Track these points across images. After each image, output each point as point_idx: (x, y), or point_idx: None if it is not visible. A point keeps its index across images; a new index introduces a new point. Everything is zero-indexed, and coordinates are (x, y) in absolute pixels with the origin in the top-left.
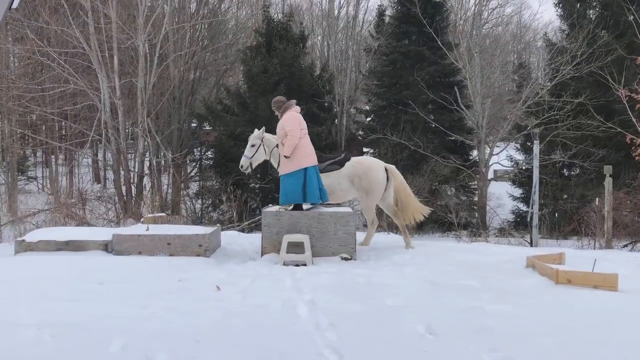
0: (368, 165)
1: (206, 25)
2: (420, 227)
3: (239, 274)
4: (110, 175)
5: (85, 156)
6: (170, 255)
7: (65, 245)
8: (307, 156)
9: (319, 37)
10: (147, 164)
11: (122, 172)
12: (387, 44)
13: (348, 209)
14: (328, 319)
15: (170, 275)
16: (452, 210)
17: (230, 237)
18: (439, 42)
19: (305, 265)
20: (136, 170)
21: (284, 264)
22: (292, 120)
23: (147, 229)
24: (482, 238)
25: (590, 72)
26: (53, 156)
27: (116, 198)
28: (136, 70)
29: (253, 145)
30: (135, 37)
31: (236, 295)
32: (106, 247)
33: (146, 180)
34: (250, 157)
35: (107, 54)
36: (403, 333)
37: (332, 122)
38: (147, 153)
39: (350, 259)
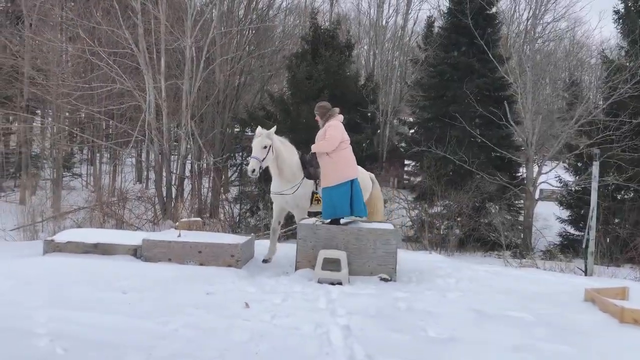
0: (360, 171)
1: (253, 31)
2: (462, 245)
3: (270, 290)
4: (152, 176)
5: (129, 156)
6: (201, 264)
7: (93, 248)
8: (352, 167)
9: (365, 47)
10: (188, 166)
11: (163, 174)
12: (435, 56)
13: (389, 226)
14: (364, 350)
15: (198, 286)
16: (497, 230)
17: (265, 247)
18: (490, 55)
19: (340, 284)
20: (177, 172)
21: (319, 281)
22: (336, 128)
23: (179, 235)
24: (527, 260)
25: None
26: (98, 154)
27: (156, 199)
28: (182, 73)
29: (265, 147)
30: (183, 39)
31: (265, 313)
32: (135, 252)
33: (187, 183)
34: (262, 160)
35: (154, 56)
36: None
37: (374, 132)
38: (189, 156)
39: (390, 280)
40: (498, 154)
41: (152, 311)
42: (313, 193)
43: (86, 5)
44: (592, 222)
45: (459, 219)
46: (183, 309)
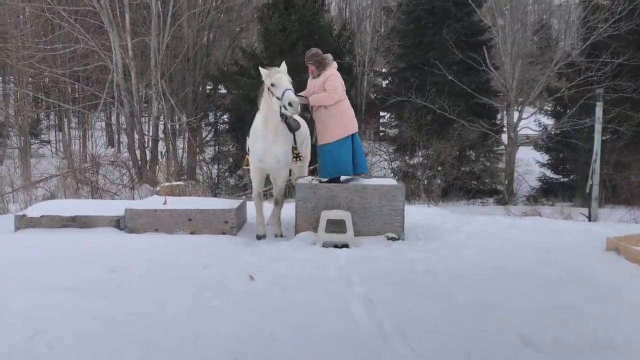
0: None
1: None
2: (445, 195)
3: (273, 258)
4: (124, 139)
5: (99, 119)
6: (192, 232)
7: (71, 221)
8: (353, 120)
9: None
10: (161, 127)
11: (136, 136)
12: (410, 1)
13: (393, 181)
14: (392, 323)
15: (193, 259)
16: (479, 177)
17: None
18: None
19: (347, 246)
20: (150, 134)
21: (323, 245)
22: (336, 78)
23: (165, 202)
24: (530, 208)
25: (631, 29)
26: (66, 120)
27: (130, 163)
28: (149, 30)
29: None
30: None
31: (273, 287)
32: (118, 223)
33: (161, 145)
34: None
35: (118, 13)
36: (492, 345)
37: (352, 84)
38: (162, 116)
39: (398, 239)
40: (478, 101)
41: (146, 292)
42: (293, 148)
43: None
44: (596, 166)
45: (440, 168)
46: (180, 288)
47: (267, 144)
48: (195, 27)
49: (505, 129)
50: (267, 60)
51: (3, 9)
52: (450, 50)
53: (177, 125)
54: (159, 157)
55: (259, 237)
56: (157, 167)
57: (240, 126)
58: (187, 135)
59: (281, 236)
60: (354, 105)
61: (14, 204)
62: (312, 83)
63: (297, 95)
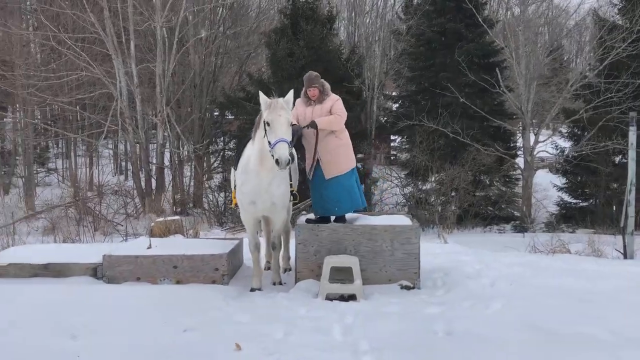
0: None
1: (227, 9)
2: (460, 221)
3: (267, 316)
4: (131, 167)
5: (106, 147)
6: (178, 282)
7: (43, 269)
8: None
9: (345, 17)
10: (168, 155)
11: (141, 165)
12: (420, 24)
13: (407, 219)
14: None
15: (173, 318)
16: (495, 203)
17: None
18: (480, 19)
19: (354, 298)
20: (156, 162)
21: (327, 297)
22: (341, 102)
23: (149, 247)
24: (556, 243)
25: None
26: (74, 147)
27: (135, 192)
28: (155, 57)
29: (293, 125)
30: (153, 19)
31: (265, 358)
32: (95, 271)
33: (167, 173)
34: (292, 143)
35: (123, 39)
36: None
37: (361, 108)
38: (167, 144)
39: (413, 288)
40: (492, 124)
41: None
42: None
43: None
44: (631, 197)
45: (454, 194)
46: None
47: (261, 183)
48: (202, 52)
49: (521, 152)
50: (274, 86)
51: (9, 37)
52: (462, 72)
53: (184, 153)
54: (165, 185)
55: (253, 290)
56: (163, 195)
57: None
58: (193, 163)
59: (280, 284)
60: (363, 130)
61: (15, 235)
62: (308, 110)
63: (292, 125)
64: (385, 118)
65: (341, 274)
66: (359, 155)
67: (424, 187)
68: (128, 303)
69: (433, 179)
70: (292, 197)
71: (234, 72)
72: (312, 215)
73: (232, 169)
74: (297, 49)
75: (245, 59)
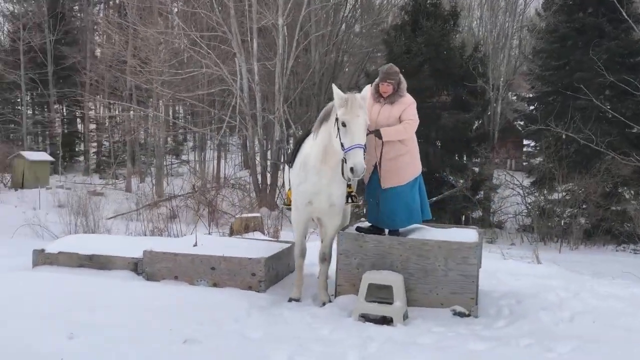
0: None
1: (351, 4)
2: (589, 237)
3: (281, 334)
4: None
5: (231, 143)
6: (214, 284)
7: (88, 260)
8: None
9: (474, 12)
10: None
11: (258, 160)
12: (556, 20)
13: (473, 234)
14: None
15: (178, 326)
16: (632, 219)
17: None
18: (624, 14)
19: (391, 323)
20: (271, 158)
21: (360, 317)
22: (415, 111)
23: (195, 244)
24: None
25: None
26: (209, 141)
27: (251, 186)
28: (274, 56)
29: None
30: (274, 17)
31: None
32: (136, 266)
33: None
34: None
35: (248, 38)
36: None
37: (484, 110)
38: (283, 142)
39: (468, 316)
40: (633, 130)
41: None
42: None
43: None
44: None
45: (584, 206)
46: None
47: (321, 181)
48: (323, 49)
49: None
50: None
51: (147, 36)
52: (599, 73)
53: None
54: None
55: (290, 300)
56: (277, 191)
57: None
58: None
59: (329, 302)
60: (485, 133)
61: (136, 221)
62: (375, 108)
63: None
64: (517, 121)
65: (383, 292)
66: (474, 160)
67: (550, 197)
68: (153, 304)
69: (561, 189)
70: (352, 199)
71: (353, 71)
72: (366, 223)
73: (287, 167)
74: (414, 46)
75: (366, 57)
